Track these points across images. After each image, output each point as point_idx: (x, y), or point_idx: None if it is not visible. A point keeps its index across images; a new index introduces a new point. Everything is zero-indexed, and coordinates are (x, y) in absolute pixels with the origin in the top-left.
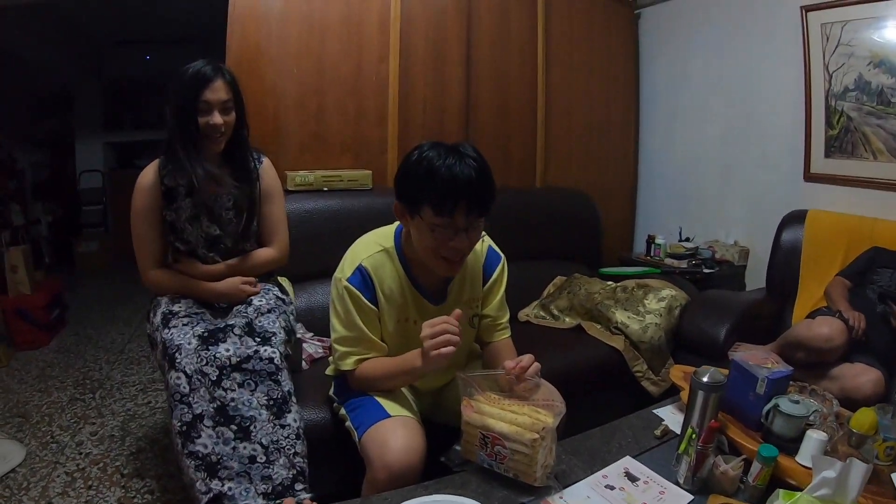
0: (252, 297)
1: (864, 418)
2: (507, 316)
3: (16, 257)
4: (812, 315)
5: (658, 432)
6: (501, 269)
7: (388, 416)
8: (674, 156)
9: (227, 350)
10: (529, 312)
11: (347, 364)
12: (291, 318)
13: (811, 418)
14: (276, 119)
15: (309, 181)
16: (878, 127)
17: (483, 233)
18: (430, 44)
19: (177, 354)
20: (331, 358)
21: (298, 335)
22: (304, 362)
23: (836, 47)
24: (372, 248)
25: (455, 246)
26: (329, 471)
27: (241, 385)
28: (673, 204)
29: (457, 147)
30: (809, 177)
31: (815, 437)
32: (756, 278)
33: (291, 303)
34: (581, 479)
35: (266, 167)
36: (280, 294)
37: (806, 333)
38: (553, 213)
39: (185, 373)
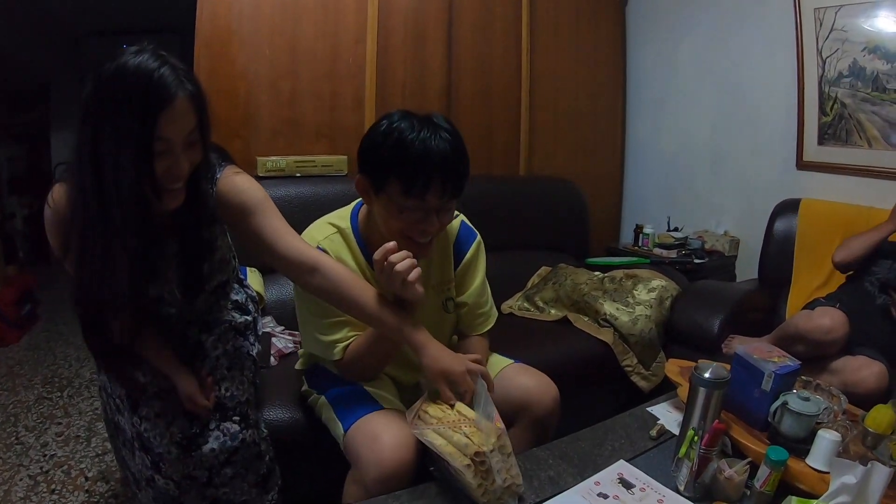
0: (208, 348)
1: (880, 416)
2: (489, 306)
3: None
4: (809, 306)
5: (654, 433)
6: (476, 248)
7: (380, 407)
8: (662, 143)
9: (213, 449)
10: (513, 304)
11: (336, 353)
12: (252, 342)
13: (821, 417)
14: (247, 103)
15: (281, 167)
16: (873, 114)
17: (456, 211)
18: (409, 25)
19: (161, 464)
20: (300, 351)
21: (267, 329)
22: (272, 358)
23: (830, 32)
24: (326, 230)
25: (425, 229)
26: (301, 473)
27: (232, 478)
28: (661, 193)
29: (430, 118)
30: (802, 165)
31: (827, 438)
32: (747, 269)
33: (256, 311)
34: (571, 487)
35: (226, 182)
36: (235, 316)
37: (806, 325)
38: (538, 201)
39: (172, 479)
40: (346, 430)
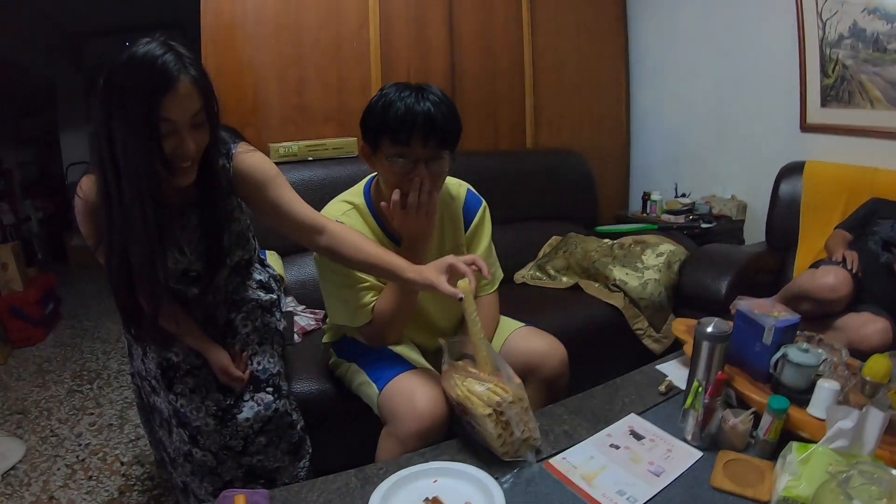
0: (238, 325)
1: (877, 366)
2: (496, 268)
3: (6, 255)
4: (815, 266)
5: (662, 388)
6: (483, 213)
7: (412, 367)
8: (666, 111)
9: (248, 419)
10: (525, 274)
11: (364, 316)
12: (278, 318)
13: (821, 368)
14: (255, 93)
15: (293, 151)
16: (875, 74)
17: (461, 181)
18: (410, 8)
19: (198, 436)
20: (325, 326)
21: (289, 308)
22: (296, 335)
23: None
24: (342, 207)
25: (415, 177)
26: (329, 442)
27: (266, 446)
28: (667, 160)
29: (420, 85)
30: (806, 127)
31: (826, 387)
32: (755, 232)
33: (279, 289)
34: (585, 439)
35: (241, 157)
36: (261, 295)
37: (810, 284)
38: (546, 174)
39: (210, 451)
40: (380, 390)
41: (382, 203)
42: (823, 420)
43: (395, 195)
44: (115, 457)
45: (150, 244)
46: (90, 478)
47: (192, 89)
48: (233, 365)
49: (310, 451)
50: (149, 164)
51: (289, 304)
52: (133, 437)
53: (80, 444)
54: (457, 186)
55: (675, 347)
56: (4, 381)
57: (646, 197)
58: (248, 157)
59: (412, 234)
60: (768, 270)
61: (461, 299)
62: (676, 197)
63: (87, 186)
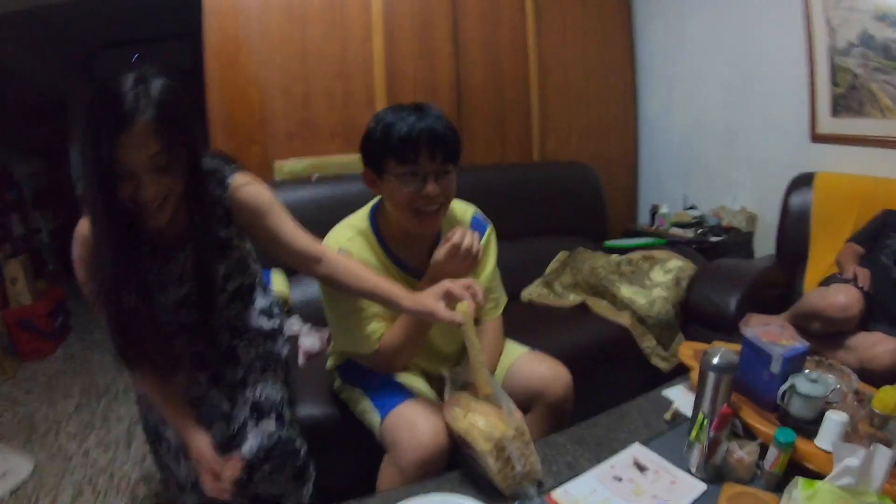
0: (240, 353)
1: (887, 398)
2: (500, 292)
3: (15, 269)
4: (826, 282)
5: (668, 416)
6: (489, 236)
7: (414, 396)
8: (675, 121)
9: (252, 448)
10: (532, 291)
11: (372, 344)
12: (281, 344)
13: (830, 397)
14: (261, 109)
15: (299, 169)
16: (886, 83)
17: (468, 203)
18: (414, 20)
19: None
20: (329, 351)
21: (294, 329)
22: (300, 357)
23: (839, 1)
24: (346, 233)
25: (427, 193)
26: (334, 466)
27: (271, 473)
28: (676, 171)
29: (416, 104)
30: (816, 137)
31: (835, 419)
32: (765, 245)
33: (281, 314)
34: (587, 471)
35: (237, 190)
36: (263, 322)
37: (821, 303)
38: (553, 187)
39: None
40: (383, 418)
41: (451, 232)
42: (831, 452)
43: (460, 236)
44: (123, 474)
45: (114, 280)
46: (98, 496)
47: (150, 131)
48: (213, 454)
49: (314, 474)
50: (107, 204)
51: (293, 323)
52: (140, 456)
53: (87, 462)
54: (463, 209)
55: (684, 366)
56: (14, 395)
57: (654, 209)
58: (244, 189)
59: (445, 272)
60: (778, 285)
61: (461, 324)
62: (685, 209)
63: (85, 228)
